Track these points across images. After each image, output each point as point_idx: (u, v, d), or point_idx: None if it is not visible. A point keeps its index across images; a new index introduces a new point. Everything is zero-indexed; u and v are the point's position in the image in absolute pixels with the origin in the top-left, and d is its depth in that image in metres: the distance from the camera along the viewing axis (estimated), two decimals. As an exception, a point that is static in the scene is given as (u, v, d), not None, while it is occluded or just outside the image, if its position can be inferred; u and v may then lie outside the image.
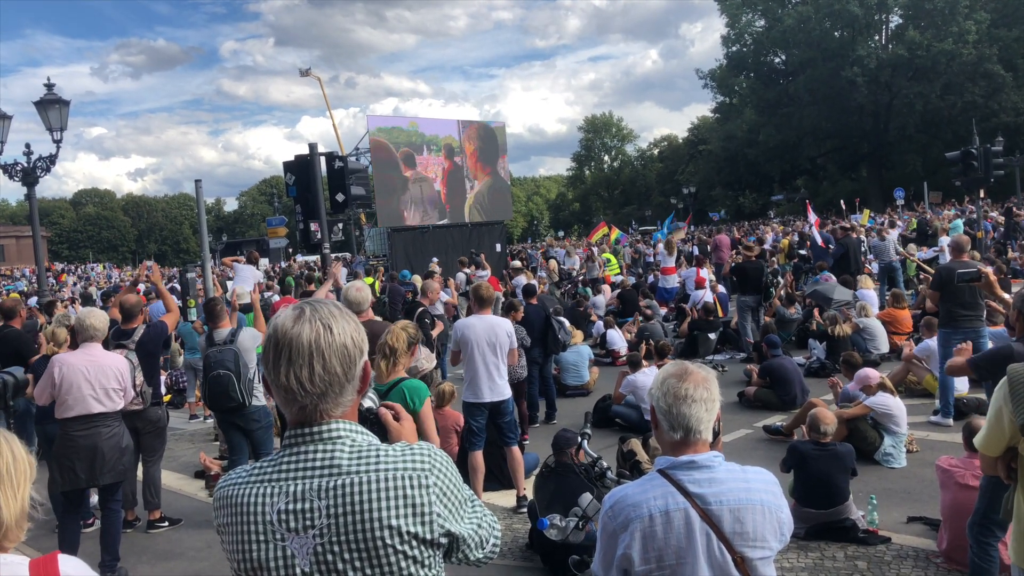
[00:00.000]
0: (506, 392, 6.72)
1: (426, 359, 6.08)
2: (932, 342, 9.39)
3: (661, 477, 2.30)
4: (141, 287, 14.30)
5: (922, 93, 50.44)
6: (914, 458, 7.52)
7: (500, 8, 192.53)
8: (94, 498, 6.89)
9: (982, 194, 21.06)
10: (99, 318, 6.05)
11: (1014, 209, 26.09)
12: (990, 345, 8.22)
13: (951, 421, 8.34)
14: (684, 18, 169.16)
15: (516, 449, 6.94)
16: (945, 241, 17.72)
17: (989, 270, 5.17)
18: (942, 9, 49.49)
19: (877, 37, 56.52)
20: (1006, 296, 4.59)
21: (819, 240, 17.87)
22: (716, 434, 2.35)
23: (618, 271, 22.75)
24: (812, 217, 21.83)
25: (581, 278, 22.06)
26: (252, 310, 8.32)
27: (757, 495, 2.26)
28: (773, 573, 2.29)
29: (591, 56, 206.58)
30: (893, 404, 7.54)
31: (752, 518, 2.23)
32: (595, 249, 25.32)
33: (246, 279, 13.41)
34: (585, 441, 4.79)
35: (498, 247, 26.69)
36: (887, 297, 13.98)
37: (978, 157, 17.16)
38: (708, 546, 2.21)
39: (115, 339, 6.74)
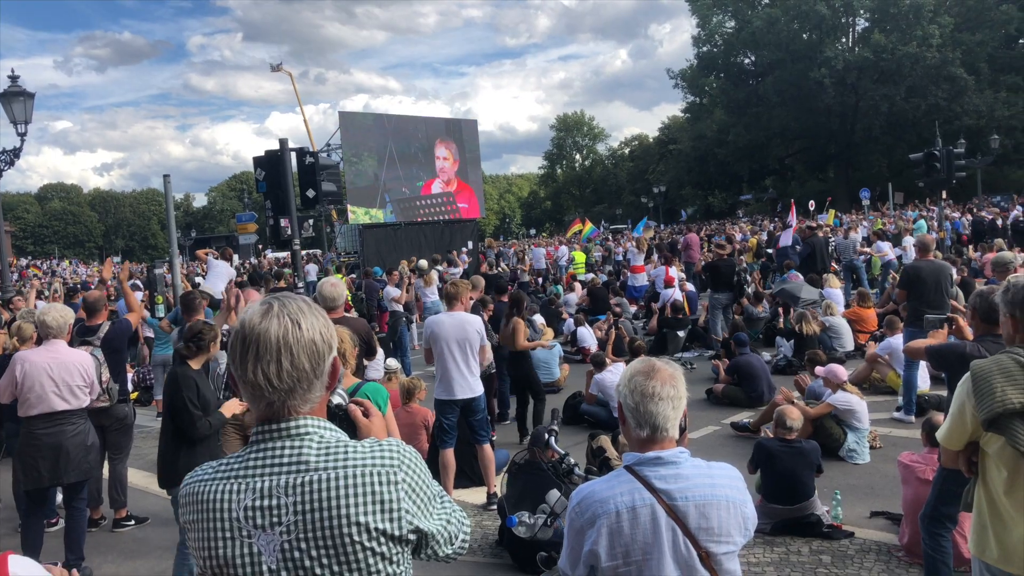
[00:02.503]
0: (478, 389, 6.75)
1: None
2: (895, 340, 9.56)
3: (628, 473, 2.32)
4: (112, 283, 14.10)
5: (887, 95, 51.19)
6: (877, 454, 7.65)
7: (470, 6, 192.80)
8: (59, 497, 6.79)
9: (944, 195, 21.46)
10: (56, 316, 5.91)
11: (975, 210, 26.62)
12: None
13: (913, 418, 8.50)
14: (653, 19, 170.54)
15: (487, 447, 6.96)
16: (910, 241, 18.02)
17: (959, 316, 5.29)
18: (907, 13, 50.29)
19: (844, 39, 57.30)
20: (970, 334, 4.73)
21: (788, 241, 18.04)
22: (683, 430, 2.39)
23: (584, 270, 22.84)
24: (793, 219, 22.00)
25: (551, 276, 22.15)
26: (219, 307, 8.24)
27: (722, 491, 2.29)
28: (737, 567, 2.33)
29: (561, 55, 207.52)
30: (854, 401, 7.67)
31: (717, 514, 2.26)
32: (564, 247, 25.43)
33: (220, 275, 13.26)
34: (552, 438, 4.81)
35: (470, 244, 26.67)
36: (853, 296, 14.18)
37: (941, 159, 17.51)
38: (674, 541, 2.23)
39: (80, 336, 6.64)
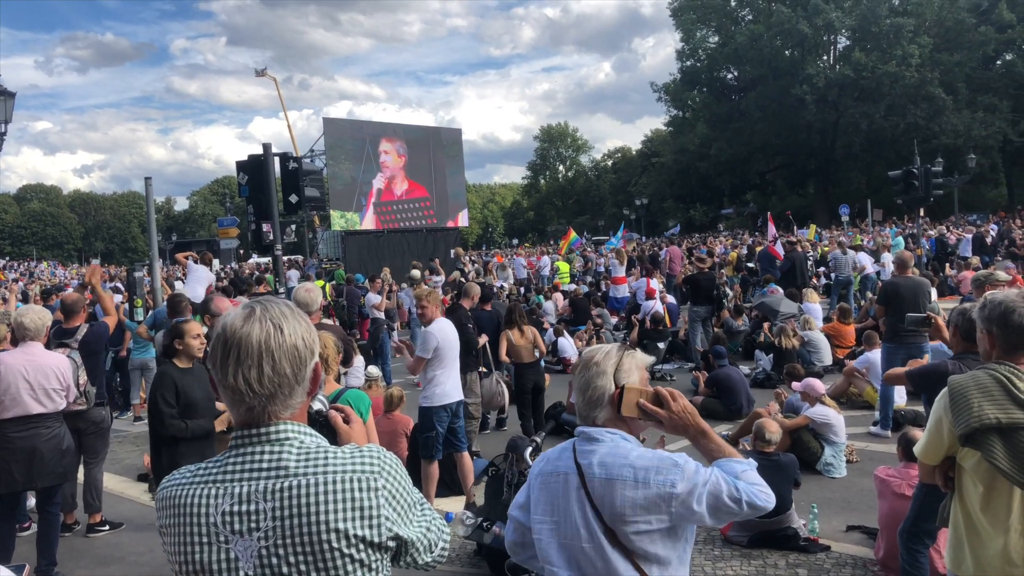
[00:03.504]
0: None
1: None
2: (872, 355, 9.65)
3: (573, 441, 2.47)
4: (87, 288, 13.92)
5: (867, 113, 51.76)
6: (854, 468, 7.70)
7: (454, 15, 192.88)
8: (31, 501, 6.69)
9: (922, 212, 21.71)
10: (34, 317, 5.84)
11: (945, 230, 26.94)
12: (929, 359, 8.49)
13: (889, 432, 8.57)
14: (636, 33, 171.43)
15: (467, 455, 6.95)
16: (888, 257, 18.20)
17: (938, 316, 5.39)
18: (887, 33, 50.90)
19: (825, 57, 57.89)
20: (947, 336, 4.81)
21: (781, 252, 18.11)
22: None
23: (568, 280, 22.90)
24: (772, 231, 22.17)
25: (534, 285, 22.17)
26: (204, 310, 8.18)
27: (629, 470, 2.28)
28: (665, 551, 2.29)
29: (545, 66, 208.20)
30: (832, 415, 7.72)
31: (622, 492, 2.27)
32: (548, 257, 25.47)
33: (199, 279, 13.15)
34: (529, 449, 4.79)
35: (452, 253, 26.66)
36: (834, 311, 14.30)
37: (919, 177, 17.68)
38: (583, 511, 2.33)
39: (57, 338, 6.57)
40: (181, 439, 5.06)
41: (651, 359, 2.62)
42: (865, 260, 18.82)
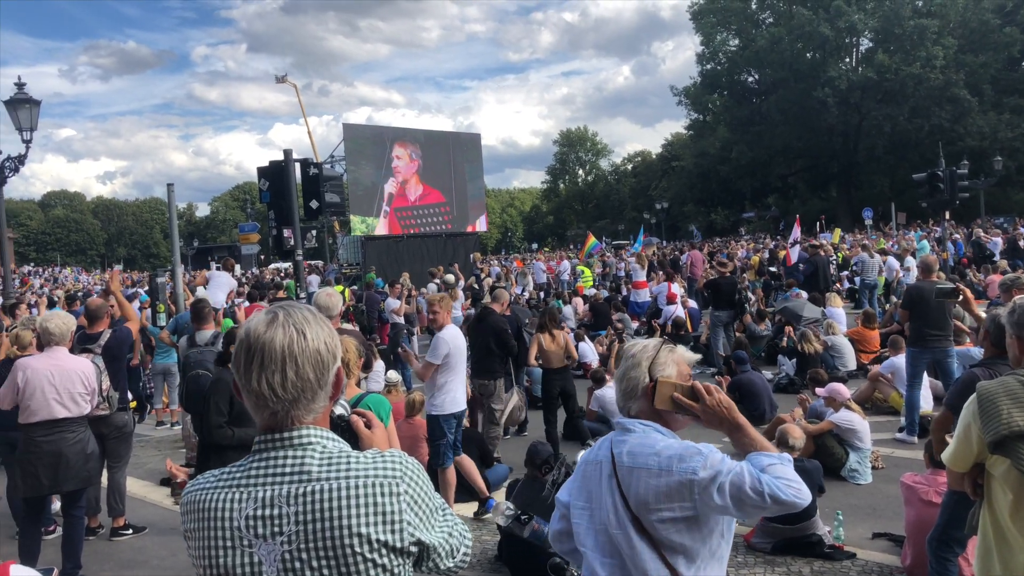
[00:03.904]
0: None
1: None
2: (898, 360, 9.54)
3: (613, 432, 2.55)
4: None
5: (890, 115, 51.33)
6: (879, 474, 7.61)
7: (473, 21, 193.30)
8: (56, 505, 6.76)
9: (947, 216, 21.48)
10: (59, 322, 5.90)
11: (982, 233, 26.57)
12: (956, 364, 8.39)
13: (916, 438, 8.46)
14: (656, 36, 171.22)
15: (464, 455, 7.04)
16: (912, 262, 18.03)
17: (966, 289, 5.27)
18: (911, 34, 50.45)
19: (848, 59, 57.49)
20: (980, 313, 4.68)
21: (796, 257, 18.04)
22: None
23: (591, 284, 22.86)
24: (796, 234, 22.01)
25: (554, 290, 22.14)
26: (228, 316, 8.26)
27: (655, 459, 2.31)
28: (692, 543, 2.28)
29: (564, 71, 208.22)
30: (857, 420, 7.63)
31: (646, 480, 2.30)
32: (567, 262, 25.44)
33: (221, 285, 13.26)
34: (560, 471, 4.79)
35: (472, 258, 26.69)
36: (858, 315, 14.17)
37: (944, 179, 17.51)
38: (613, 498, 2.38)
39: (80, 343, 6.63)
40: (229, 447, 5.07)
41: (695, 356, 2.62)
42: (895, 265, 18.66)
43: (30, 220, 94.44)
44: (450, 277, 17.64)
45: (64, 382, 5.70)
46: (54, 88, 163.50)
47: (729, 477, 2.21)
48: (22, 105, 13.16)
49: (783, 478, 2.21)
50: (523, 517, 4.97)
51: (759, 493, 2.18)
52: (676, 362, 2.48)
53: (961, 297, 5.16)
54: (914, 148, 51.82)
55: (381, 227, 24.75)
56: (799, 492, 2.21)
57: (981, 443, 2.83)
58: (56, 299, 20.62)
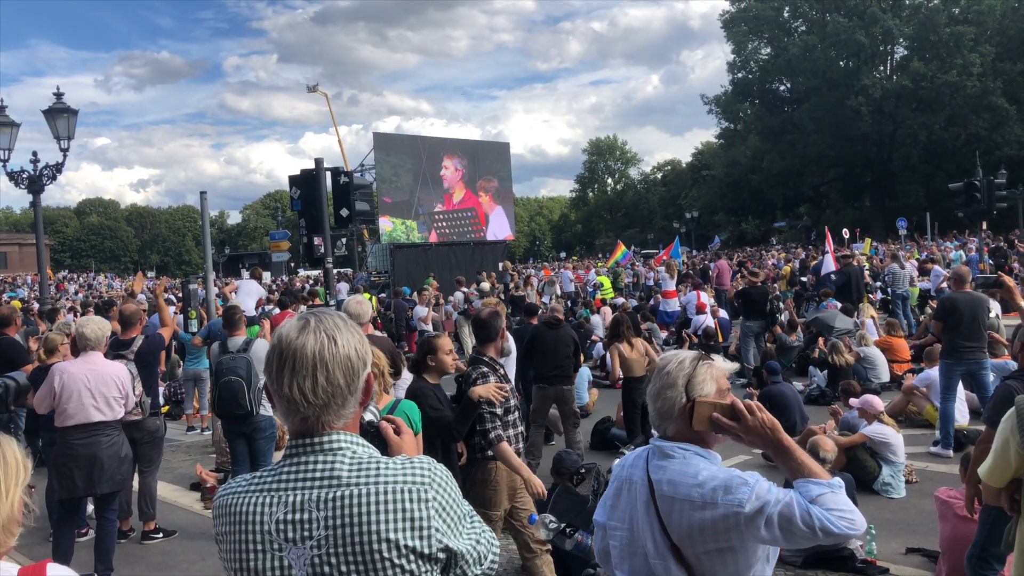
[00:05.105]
0: None
1: None
2: (933, 372, 9.38)
3: (647, 449, 2.44)
4: (142, 297, 14.28)
5: (926, 124, 50.66)
6: (913, 489, 7.47)
7: (501, 31, 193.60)
8: (90, 507, 6.86)
9: (984, 226, 21.13)
10: (95, 327, 6.00)
11: (1016, 242, 26.12)
12: (992, 376, 8.23)
13: (951, 452, 8.30)
14: (685, 45, 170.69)
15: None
16: (944, 272, 17.79)
17: (1009, 278, 5.15)
18: (947, 41, 49.79)
19: (882, 67, 56.89)
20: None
21: (829, 268, 17.78)
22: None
23: (612, 294, 22.74)
24: (830, 247, 21.73)
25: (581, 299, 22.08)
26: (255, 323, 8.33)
27: (697, 491, 2.20)
28: (736, 570, 2.22)
29: (592, 80, 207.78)
30: (890, 433, 7.51)
31: (689, 513, 2.20)
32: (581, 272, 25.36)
33: (249, 293, 13.41)
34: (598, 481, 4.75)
35: (500, 266, 26.72)
36: (882, 325, 14.00)
37: (981, 189, 17.23)
38: (651, 526, 2.30)
39: (113, 349, 6.73)
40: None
41: (733, 366, 2.49)
42: (941, 273, 18.43)
43: (66, 227, 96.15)
44: (485, 285, 17.67)
45: (100, 386, 5.79)
46: (90, 98, 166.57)
47: (777, 508, 2.10)
48: (60, 114, 13.44)
49: (835, 509, 2.09)
50: (568, 529, 4.94)
51: (810, 527, 2.07)
52: (715, 378, 2.33)
53: (1004, 287, 5.04)
54: (950, 157, 51.10)
55: (419, 233, 24.98)
56: (852, 523, 2.09)
57: (1019, 458, 2.78)
58: (97, 305, 21.01)
